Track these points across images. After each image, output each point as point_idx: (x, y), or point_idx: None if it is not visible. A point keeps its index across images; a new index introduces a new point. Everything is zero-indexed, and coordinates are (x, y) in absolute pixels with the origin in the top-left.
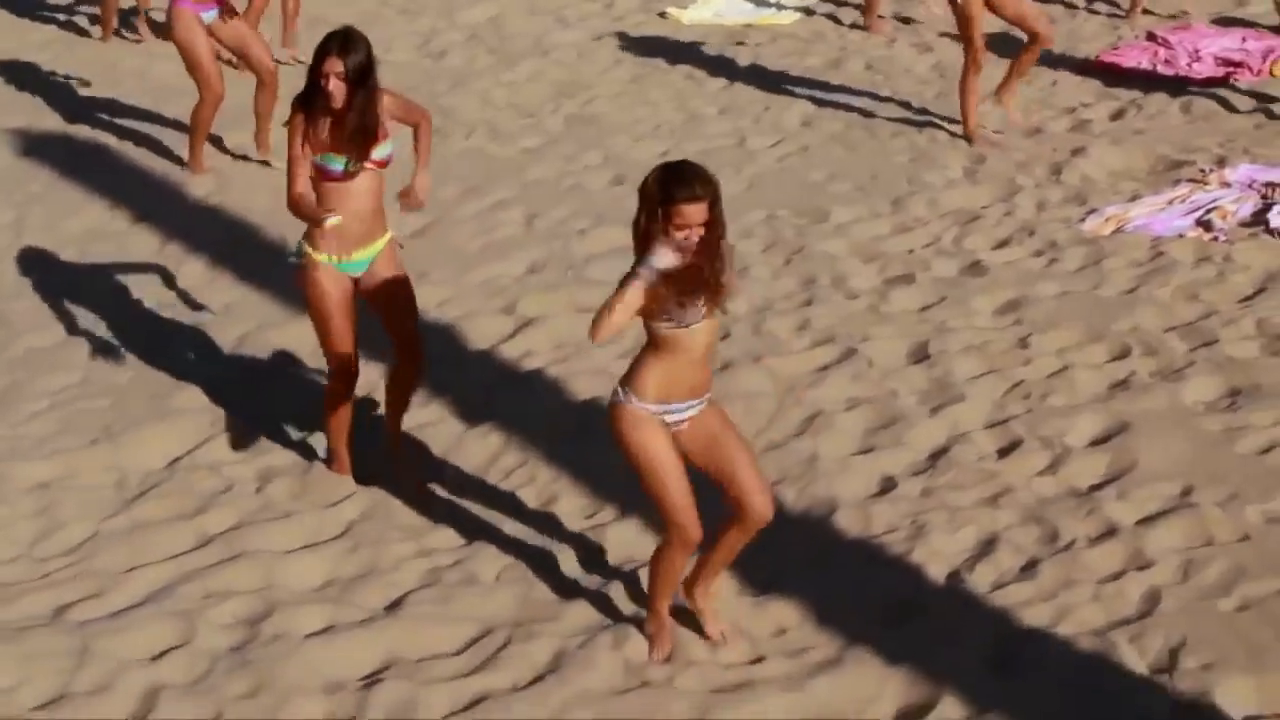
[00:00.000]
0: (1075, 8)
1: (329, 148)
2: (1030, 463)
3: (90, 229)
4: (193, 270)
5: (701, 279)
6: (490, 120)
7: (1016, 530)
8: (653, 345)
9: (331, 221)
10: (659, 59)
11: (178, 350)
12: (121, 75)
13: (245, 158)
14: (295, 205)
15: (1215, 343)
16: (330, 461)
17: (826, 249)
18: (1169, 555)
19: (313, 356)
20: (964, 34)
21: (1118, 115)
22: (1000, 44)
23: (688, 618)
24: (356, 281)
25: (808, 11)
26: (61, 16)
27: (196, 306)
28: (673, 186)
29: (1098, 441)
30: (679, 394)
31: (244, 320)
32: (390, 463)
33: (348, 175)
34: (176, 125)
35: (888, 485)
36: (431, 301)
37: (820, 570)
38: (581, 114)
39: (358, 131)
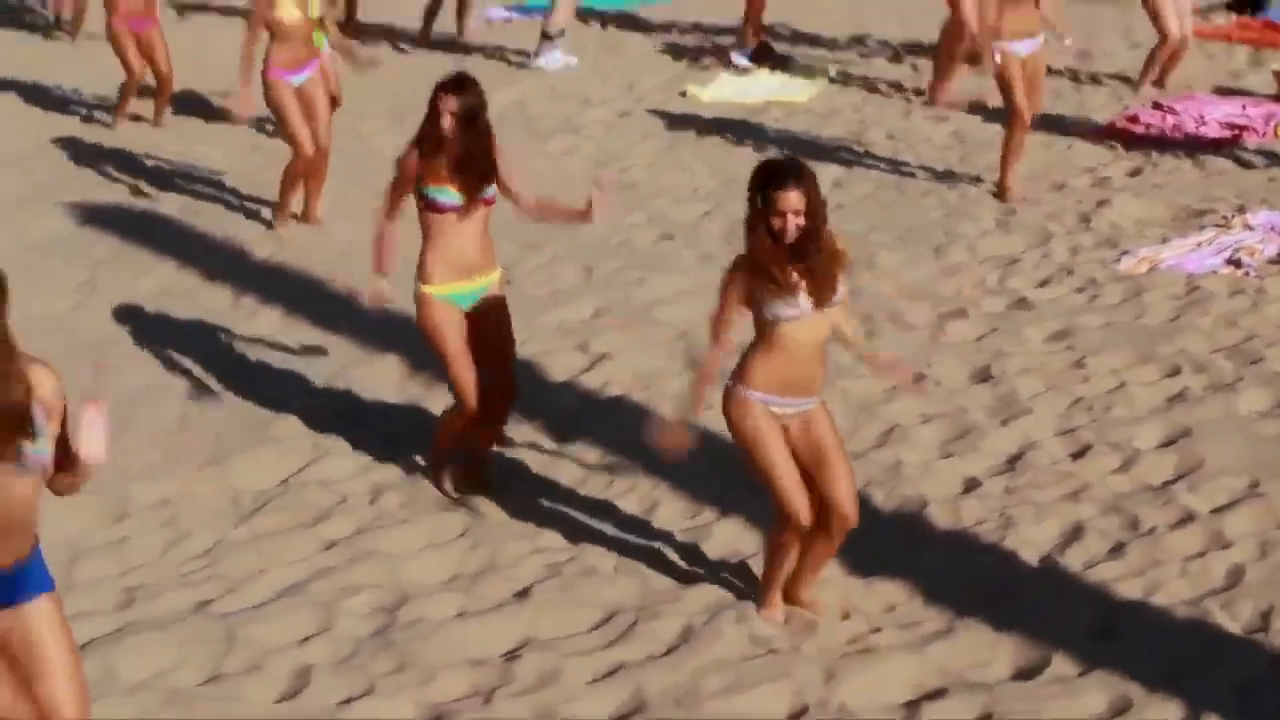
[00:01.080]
0: (1082, 81)
1: (444, 181)
2: (1103, 463)
3: (162, 288)
4: (269, 319)
5: (784, 266)
6: (534, 188)
7: (1099, 520)
8: (759, 337)
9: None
10: (688, 131)
11: (269, 388)
12: (166, 153)
13: (296, 216)
14: (374, 242)
15: (1261, 360)
16: (437, 476)
17: (878, 290)
18: (1246, 538)
19: (400, 388)
20: (1005, 98)
21: (1135, 172)
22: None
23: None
24: (466, 314)
25: (830, 79)
26: (98, 104)
27: (281, 348)
28: (769, 177)
29: (1164, 445)
30: (787, 389)
31: (328, 361)
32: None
33: (459, 209)
34: (232, 193)
35: (971, 485)
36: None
37: (919, 556)
38: (621, 181)
39: (472, 166)
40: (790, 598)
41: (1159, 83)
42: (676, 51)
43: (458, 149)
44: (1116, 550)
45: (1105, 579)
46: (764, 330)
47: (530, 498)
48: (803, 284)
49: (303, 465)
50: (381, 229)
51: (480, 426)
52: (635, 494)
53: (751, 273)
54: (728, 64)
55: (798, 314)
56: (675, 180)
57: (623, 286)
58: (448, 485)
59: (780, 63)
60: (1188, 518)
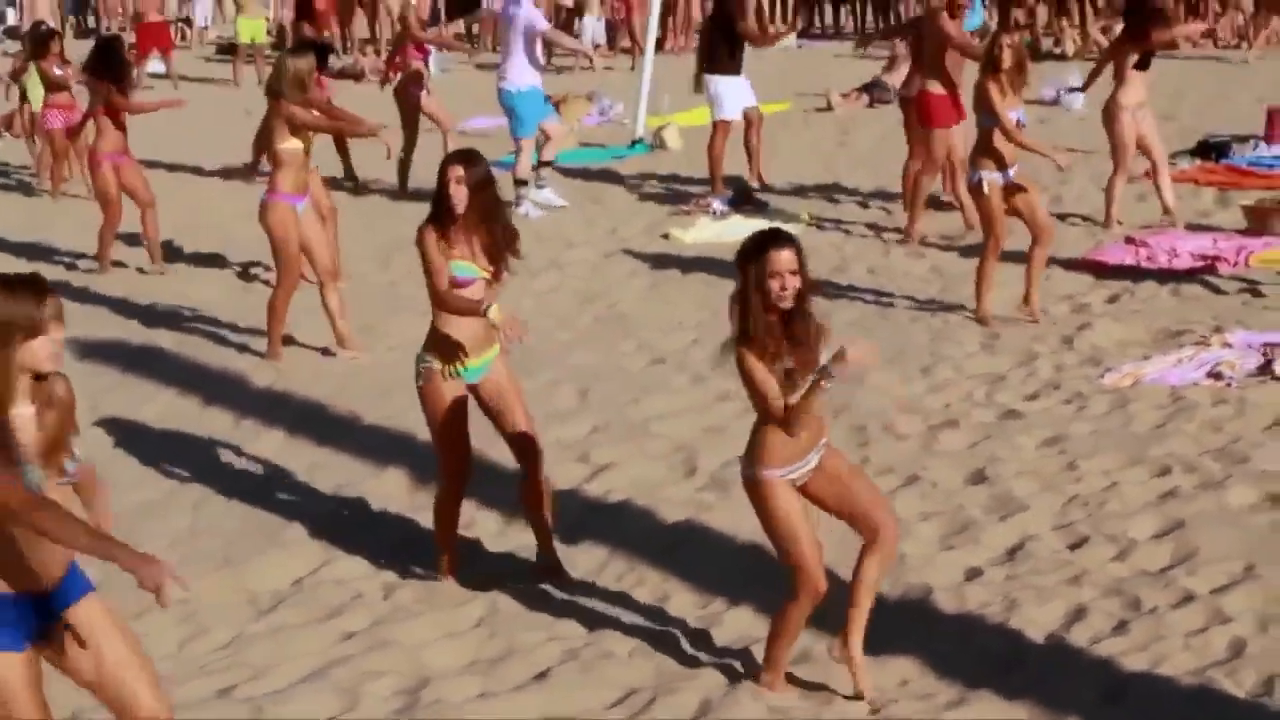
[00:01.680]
0: (1055, 216)
1: (456, 256)
2: (1101, 553)
3: (164, 413)
4: (273, 439)
5: (779, 339)
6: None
7: (1101, 601)
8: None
9: (493, 312)
10: (671, 269)
11: (278, 498)
12: (158, 294)
13: (294, 342)
14: (447, 302)
15: (1247, 460)
16: (439, 562)
17: (869, 405)
18: (1245, 614)
19: (409, 498)
20: (986, 225)
21: (1113, 299)
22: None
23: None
24: (473, 388)
25: (808, 222)
26: (84, 254)
27: (285, 466)
28: (762, 240)
29: (1159, 535)
30: (801, 451)
31: (335, 474)
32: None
33: (474, 284)
34: (228, 328)
35: (974, 573)
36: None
37: (928, 637)
38: (609, 315)
39: (485, 234)
40: (844, 644)
41: (1164, 209)
42: (656, 199)
43: (470, 220)
44: (1120, 627)
45: (1111, 653)
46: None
47: (544, 591)
48: (789, 354)
49: (316, 567)
50: (447, 298)
51: (521, 494)
52: (646, 586)
53: (753, 348)
54: (707, 210)
55: (799, 382)
56: (662, 313)
57: (618, 406)
58: (446, 567)
59: (759, 207)
60: (1188, 598)
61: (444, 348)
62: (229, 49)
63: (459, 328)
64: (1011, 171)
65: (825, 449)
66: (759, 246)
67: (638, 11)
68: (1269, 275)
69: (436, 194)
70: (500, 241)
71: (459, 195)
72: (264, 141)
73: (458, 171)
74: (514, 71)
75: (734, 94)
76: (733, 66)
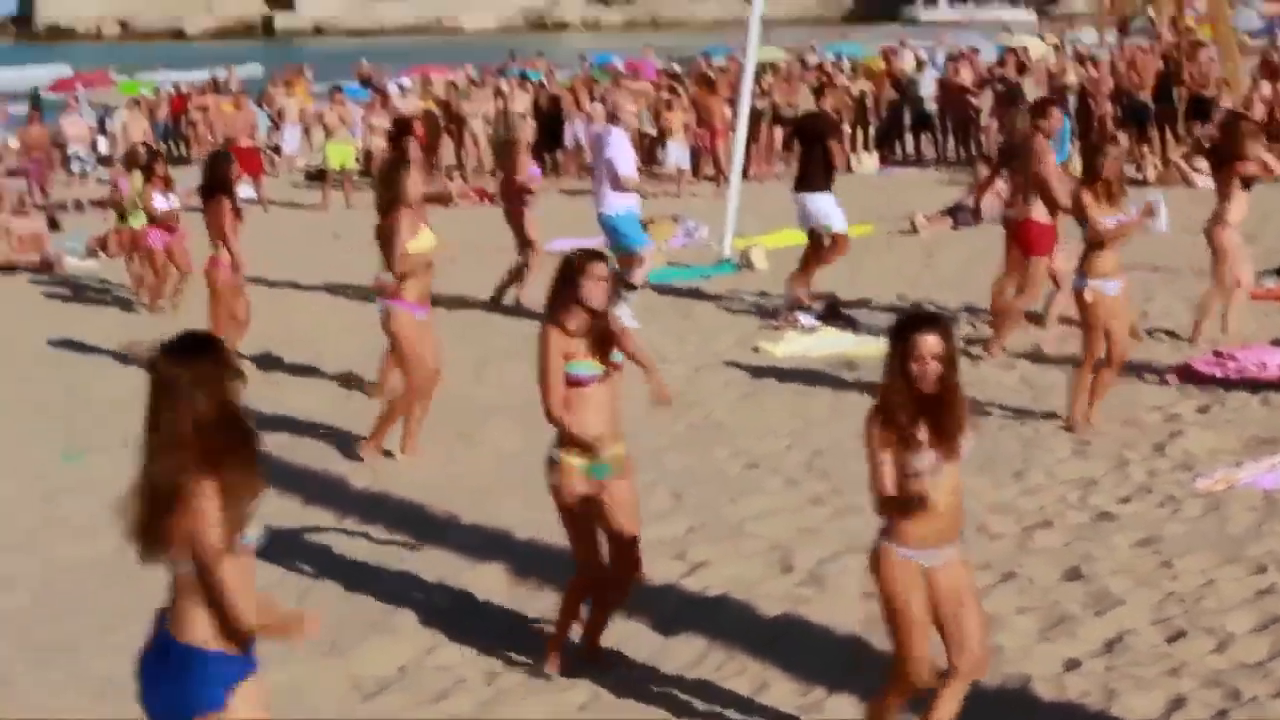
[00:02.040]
0: (1138, 337)
1: (578, 355)
2: (1199, 646)
3: (265, 510)
4: (373, 534)
5: (914, 415)
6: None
7: (1200, 691)
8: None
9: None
10: (766, 379)
11: (381, 588)
12: (257, 401)
13: (389, 454)
14: (557, 421)
15: None
16: (548, 646)
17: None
18: None
19: (509, 592)
20: (1086, 336)
21: (1204, 409)
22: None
23: None
24: (597, 485)
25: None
26: None
27: (386, 559)
28: (912, 322)
29: (1257, 629)
30: (929, 540)
31: (436, 567)
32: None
33: (594, 379)
34: (327, 433)
35: (1072, 665)
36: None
37: None
38: (704, 423)
39: (605, 336)
40: None
41: (1223, 328)
42: (745, 314)
43: (602, 319)
44: (1221, 715)
45: None
46: (902, 484)
47: (644, 679)
48: (928, 438)
49: (420, 653)
50: (561, 417)
51: (605, 598)
52: (746, 676)
53: (883, 423)
54: (796, 324)
55: (927, 467)
56: (755, 420)
57: (714, 507)
58: (552, 658)
59: (848, 322)
60: None
61: (576, 444)
62: (318, 175)
63: (590, 424)
64: (1118, 284)
65: (957, 556)
66: (908, 326)
67: (722, 138)
68: None
69: (563, 293)
70: (617, 334)
71: (597, 292)
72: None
73: (600, 269)
74: (610, 196)
75: (837, 208)
76: (828, 185)
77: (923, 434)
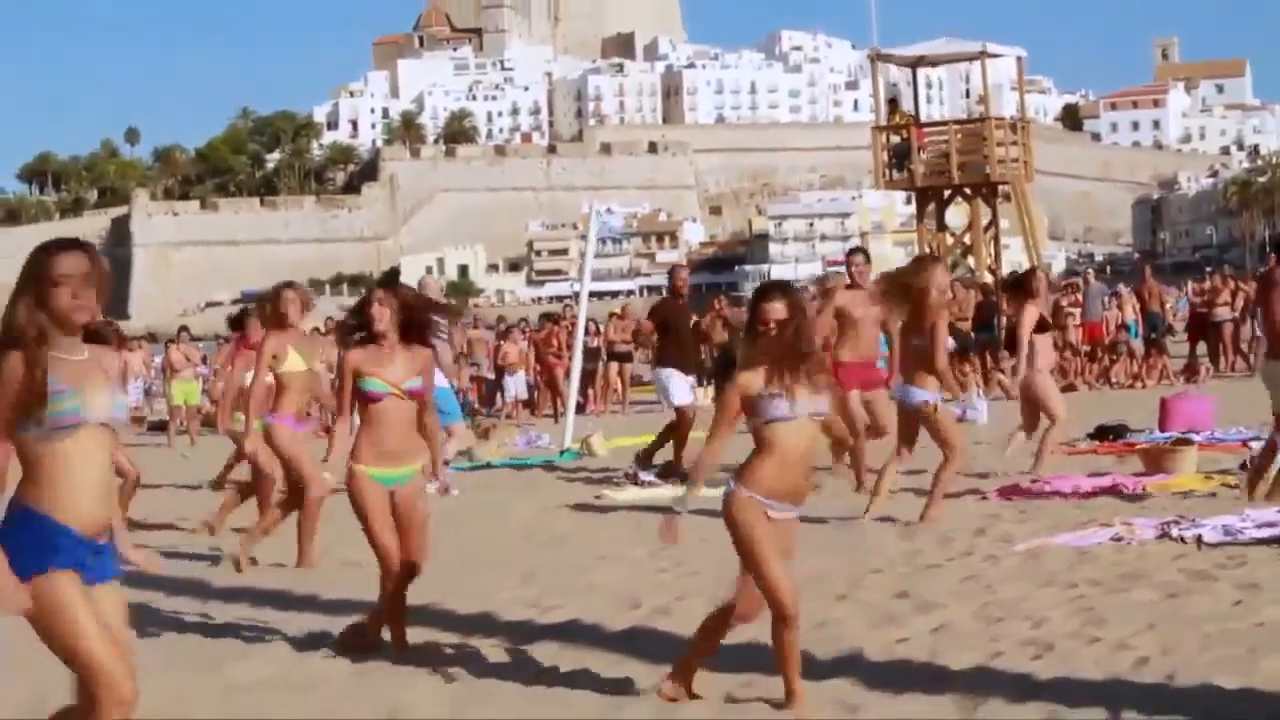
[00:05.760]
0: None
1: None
2: (1016, 627)
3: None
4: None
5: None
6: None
7: (1017, 648)
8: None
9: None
10: (608, 513)
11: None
12: None
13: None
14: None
15: None
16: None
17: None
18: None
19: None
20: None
21: (1022, 511)
22: None
23: None
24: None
25: None
26: None
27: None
28: (759, 290)
29: (1070, 615)
30: (779, 494)
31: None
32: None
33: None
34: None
35: (902, 640)
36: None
37: None
38: (549, 536)
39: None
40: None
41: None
42: (587, 482)
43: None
44: (1035, 659)
45: None
46: (758, 438)
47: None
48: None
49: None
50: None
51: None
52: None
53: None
54: (637, 480)
55: (787, 415)
56: (601, 530)
57: (566, 575)
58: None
59: (683, 479)
60: None
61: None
62: (160, 426)
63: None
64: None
65: (792, 521)
66: (755, 296)
67: (560, 368)
68: (1166, 494)
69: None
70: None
71: (380, 314)
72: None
73: (384, 296)
74: None
75: (681, 382)
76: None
77: (777, 388)
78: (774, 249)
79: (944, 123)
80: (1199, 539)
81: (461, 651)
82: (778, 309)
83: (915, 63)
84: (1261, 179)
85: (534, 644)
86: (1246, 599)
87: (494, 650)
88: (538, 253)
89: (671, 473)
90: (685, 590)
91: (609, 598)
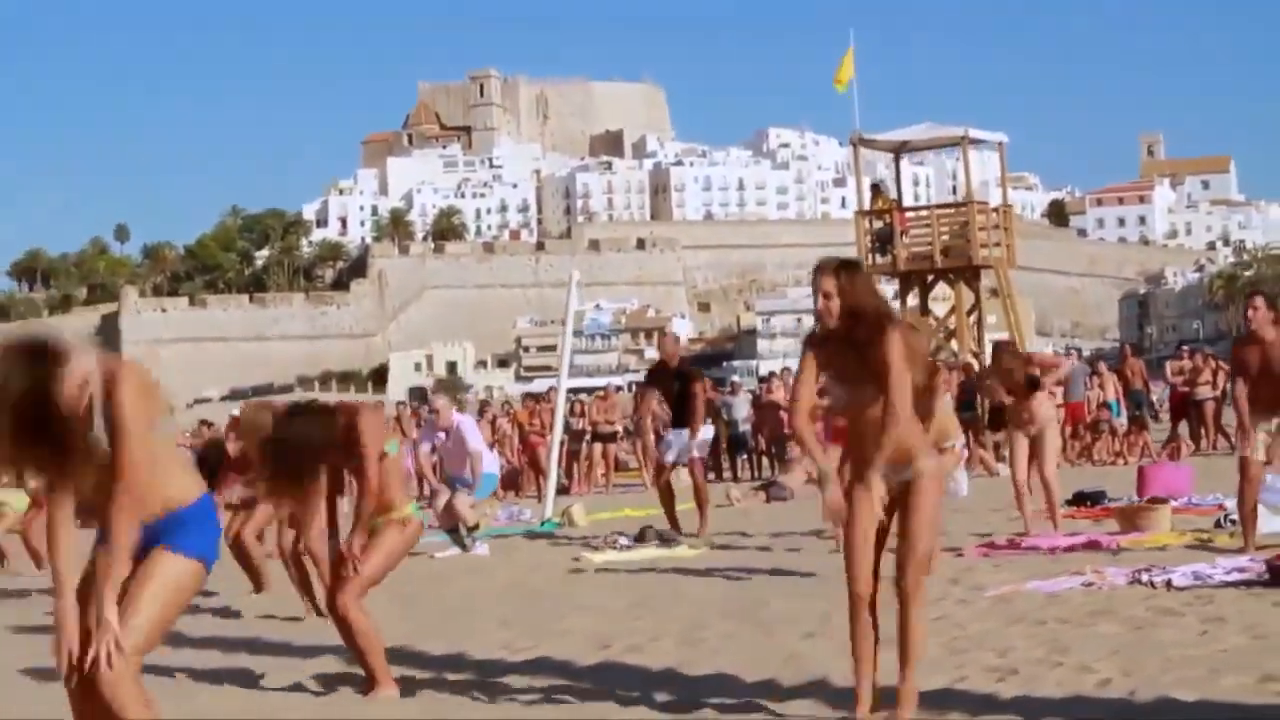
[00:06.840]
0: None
1: None
2: (981, 656)
3: None
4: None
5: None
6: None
7: (980, 674)
8: None
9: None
10: (585, 575)
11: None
12: None
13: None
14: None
15: None
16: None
17: None
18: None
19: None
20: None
21: (997, 565)
22: None
23: None
24: None
25: (711, 546)
26: None
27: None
28: (816, 267)
29: (1035, 646)
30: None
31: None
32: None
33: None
34: None
35: None
36: None
37: None
38: (528, 593)
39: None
40: None
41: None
42: (566, 547)
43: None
44: (999, 681)
45: None
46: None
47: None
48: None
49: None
50: None
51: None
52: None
53: (811, 356)
54: (615, 545)
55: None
56: (578, 590)
57: (540, 623)
58: None
59: (664, 541)
60: None
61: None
62: None
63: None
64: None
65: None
66: (813, 272)
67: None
68: (1140, 549)
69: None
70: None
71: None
72: None
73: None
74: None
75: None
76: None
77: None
78: (762, 344)
79: (927, 207)
80: (1168, 583)
81: (431, 681)
82: (826, 284)
83: (898, 148)
84: (1247, 273)
85: (505, 676)
86: (1212, 630)
87: (462, 683)
88: (526, 349)
89: (648, 537)
90: (659, 633)
91: (581, 639)
